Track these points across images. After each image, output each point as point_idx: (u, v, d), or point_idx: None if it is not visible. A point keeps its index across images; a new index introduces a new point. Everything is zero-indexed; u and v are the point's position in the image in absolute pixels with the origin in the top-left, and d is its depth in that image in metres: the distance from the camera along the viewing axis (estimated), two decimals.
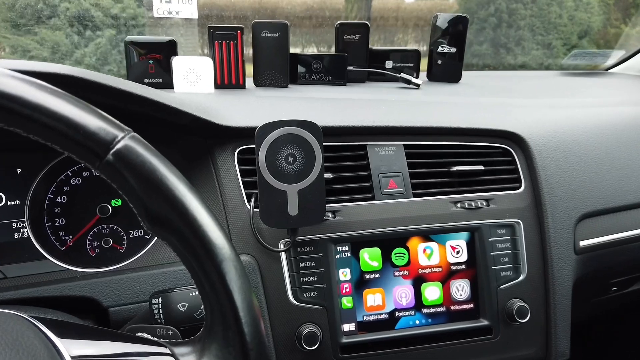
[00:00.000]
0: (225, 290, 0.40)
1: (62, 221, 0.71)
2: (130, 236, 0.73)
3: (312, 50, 1.71)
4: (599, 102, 1.03)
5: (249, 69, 1.03)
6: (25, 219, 0.69)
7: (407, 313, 0.73)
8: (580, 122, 0.91)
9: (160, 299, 0.54)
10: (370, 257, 0.73)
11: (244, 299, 0.40)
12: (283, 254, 0.70)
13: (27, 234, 0.69)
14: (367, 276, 0.73)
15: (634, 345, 1.30)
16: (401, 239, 0.74)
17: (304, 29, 1.68)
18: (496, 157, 0.83)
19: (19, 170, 0.70)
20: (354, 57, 1.09)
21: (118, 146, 0.38)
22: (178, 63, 0.94)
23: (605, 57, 1.59)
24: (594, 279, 0.91)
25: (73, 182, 0.72)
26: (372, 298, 0.73)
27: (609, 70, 1.58)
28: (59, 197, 0.71)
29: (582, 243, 0.81)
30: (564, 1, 2.07)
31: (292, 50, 1.04)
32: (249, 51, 1.02)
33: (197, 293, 0.55)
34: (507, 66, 1.90)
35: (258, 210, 0.67)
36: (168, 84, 0.96)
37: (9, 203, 0.69)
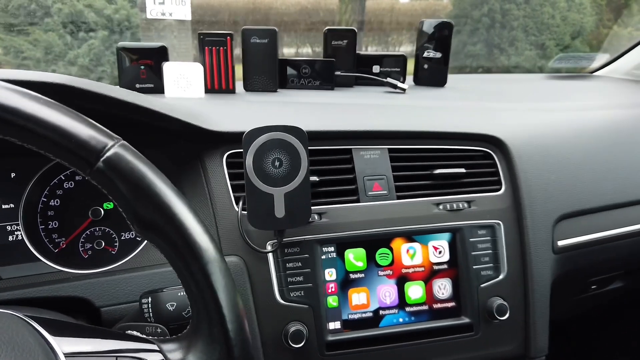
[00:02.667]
0: (211, 290, 0.42)
1: (55, 224, 0.73)
2: (122, 238, 0.75)
3: (306, 50, 1.72)
4: (580, 106, 1.06)
5: (240, 73, 1.05)
6: (20, 222, 0.71)
7: (391, 311, 0.76)
8: (560, 126, 0.93)
9: (149, 299, 0.56)
10: (355, 258, 0.75)
11: (228, 298, 0.42)
12: (270, 255, 0.72)
13: (21, 236, 0.71)
14: (352, 276, 0.75)
15: (614, 342, 1.33)
16: (385, 240, 0.76)
17: (299, 29, 1.69)
18: (477, 160, 0.85)
19: (12, 174, 0.72)
20: (342, 62, 1.12)
21: (108, 154, 0.40)
22: (169, 68, 0.96)
23: (590, 60, 1.63)
24: (573, 278, 0.93)
25: (66, 185, 0.74)
26: (357, 297, 0.75)
27: (595, 73, 1.61)
28: (52, 200, 0.73)
29: (561, 243, 0.84)
30: (556, 2, 2.09)
31: (286, 51, 1.06)
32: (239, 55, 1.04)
33: (185, 293, 0.57)
34: (501, 67, 1.92)
35: (246, 212, 0.69)
36: (159, 89, 0.98)
37: (3, 206, 0.71)
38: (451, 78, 1.20)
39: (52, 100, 0.40)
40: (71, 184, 0.74)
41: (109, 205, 0.75)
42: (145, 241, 0.74)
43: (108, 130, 0.42)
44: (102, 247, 0.74)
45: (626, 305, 1.28)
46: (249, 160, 0.67)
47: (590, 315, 1.35)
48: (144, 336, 0.46)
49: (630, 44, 1.53)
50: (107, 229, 0.75)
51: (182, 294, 0.57)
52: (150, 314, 0.56)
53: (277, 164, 0.68)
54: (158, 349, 0.43)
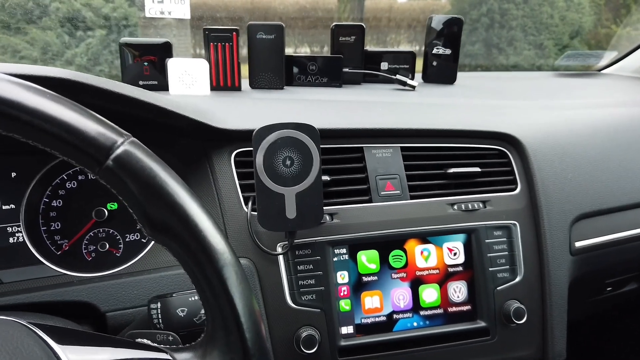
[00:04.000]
0: (227, 296, 0.39)
1: (57, 225, 0.70)
2: (127, 240, 0.72)
3: (305, 50, 1.70)
4: (593, 103, 1.04)
5: (245, 70, 1.02)
6: (21, 223, 0.69)
7: (405, 315, 0.73)
8: (574, 124, 0.91)
9: (159, 304, 0.54)
10: (367, 260, 0.73)
11: (245, 305, 0.40)
12: (281, 257, 0.70)
13: (23, 238, 0.68)
14: (365, 279, 0.73)
15: (628, 344, 1.31)
16: (398, 241, 0.74)
17: (297, 29, 1.67)
18: (492, 158, 0.83)
19: (13, 174, 0.69)
20: (350, 59, 1.09)
21: (118, 152, 0.38)
22: (173, 65, 0.93)
23: (598, 57, 1.61)
24: (590, 280, 0.91)
25: (68, 185, 0.71)
26: (370, 300, 0.73)
27: (602, 71, 1.59)
28: (55, 200, 0.71)
29: (578, 244, 0.81)
30: (555, 1, 2.08)
31: (284, 51, 1.04)
32: (244, 52, 1.02)
33: (196, 298, 0.55)
34: (500, 66, 1.90)
35: (256, 213, 0.67)
36: (163, 86, 0.96)
37: (3, 207, 0.69)
38: (458, 75, 1.18)
39: (57, 95, 0.38)
40: (74, 184, 0.72)
41: (113, 206, 0.72)
42: (151, 244, 0.72)
43: (117, 127, 0.39)
44: (106, 249, 0.71)
45: None
46: (259, 159, 0.64)
47: (603, 317, 1.33)
48: (156, 344, 0.43)
49: (631, 42, 1.52)
50: (112, 231, 0.72)
51: (193, 298, 0.55)
52: (160, 320, 0.53)
53: (288, 162, 0.65)
54: (171, 358, 0.41)
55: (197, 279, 0.40)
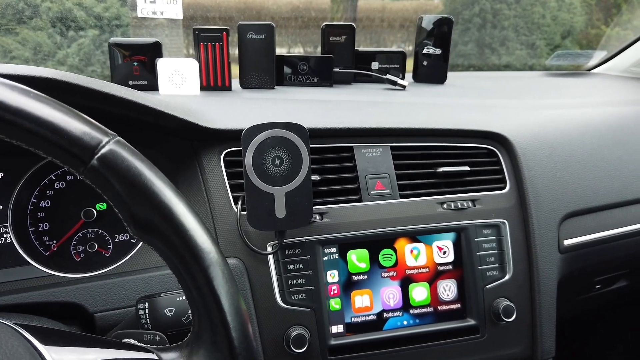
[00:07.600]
0: (213, 295, 0.39)
1: (45, 226, 0.70)
2: (116, 240, 0.72)
3: (298, 50, 1.70)
4: (582, 103, 1.04)
5: (235, 70, 1.02)
6: (8, 224, 0.68)
7: (395, 314, 0.74)
8: (563, 123, 0.92)
9: (146, 304, 0.54)
10: (357, 259, 0.73)
11: (232, 304, 0.40)
12: (271, 257, 0.70)
13: (10, 239, 0.68)
14: (355, 277, 0.73)
15: (617, 342, 1.32)
16: (388, 240, 0.74)
17: (290, 29, 1.67)
18: (482, 157, 0.83)
19: (1, 175, 0.69)
20: (340, 59, 1.09)
21: (103, 151, 0.38)
22: (163, 65, 0.93)
23: (588, 57, 1.62)
24: (578, 278, 0.92)
25: (57, 185, 0.71)
26: (360, 299, 0.73)
27: (592, 71, 1.60)
28: (43, 201, 0.70)
29: (566, 242, 0.82)
30: (547, 2, 2.09)
31: (278, 51, 1.04)
32: (234, 52, 1.02)
33: (184, 298, 0.55)
34: (492, 66, 1.91)
35: (245, 213, 0.67)
36: (153, 86, 0.95)
37: None
38: (449, 75, 1.18)
39: (41, 94, 0.38)
40: (62, 184, 0.71)
41: (101, 206, 0.72)
42: (141, 243, 0.71)
43: (102, 126, 0.39)
44: (95, 249, 0.71)
45: (630, 304, 1.27)
46: (248, 159, 0.64)
47: (592, 314, 1.33)
48: (142, 345, 0.43)
49: (620, 42, 1.53)
50: (100, 231, 0.72)
51: (180, 298, 0.55)
52: (148, 320, 0.53)
53: (277, 162, 0.65)
54: (157, 358, 0.41)
55: (183, 279, 0.40)
